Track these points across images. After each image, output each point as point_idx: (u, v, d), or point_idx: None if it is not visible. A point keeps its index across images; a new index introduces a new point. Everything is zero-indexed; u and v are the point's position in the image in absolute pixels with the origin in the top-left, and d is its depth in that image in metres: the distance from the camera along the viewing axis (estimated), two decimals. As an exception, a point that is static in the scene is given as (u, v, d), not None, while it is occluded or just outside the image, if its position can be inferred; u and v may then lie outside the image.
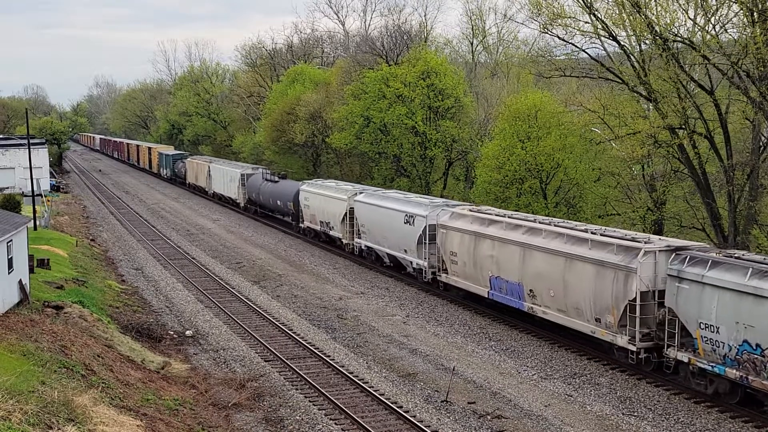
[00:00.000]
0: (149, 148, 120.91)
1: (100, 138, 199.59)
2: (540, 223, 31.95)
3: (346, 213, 47.04)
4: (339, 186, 50.95)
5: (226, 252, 51.34)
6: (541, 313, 30.33)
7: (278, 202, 59.51)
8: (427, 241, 37.88)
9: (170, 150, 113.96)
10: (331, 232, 49.83)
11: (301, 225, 55.06)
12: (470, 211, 36.51)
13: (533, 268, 30.39)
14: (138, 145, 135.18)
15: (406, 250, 40.21)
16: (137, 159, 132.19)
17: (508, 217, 34.09)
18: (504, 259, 32.06)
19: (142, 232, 59.97)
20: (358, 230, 45.71)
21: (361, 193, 46.43)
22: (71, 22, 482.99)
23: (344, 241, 47.92)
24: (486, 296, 33.72)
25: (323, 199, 50.66)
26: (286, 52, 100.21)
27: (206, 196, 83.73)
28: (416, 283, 40.40)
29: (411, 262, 39.82)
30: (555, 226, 30.93)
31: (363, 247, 45.31)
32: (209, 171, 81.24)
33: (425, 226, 37.86)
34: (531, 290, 30.69)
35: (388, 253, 42.53)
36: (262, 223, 63.91)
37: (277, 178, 61.98)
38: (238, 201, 71.27)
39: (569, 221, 34.03)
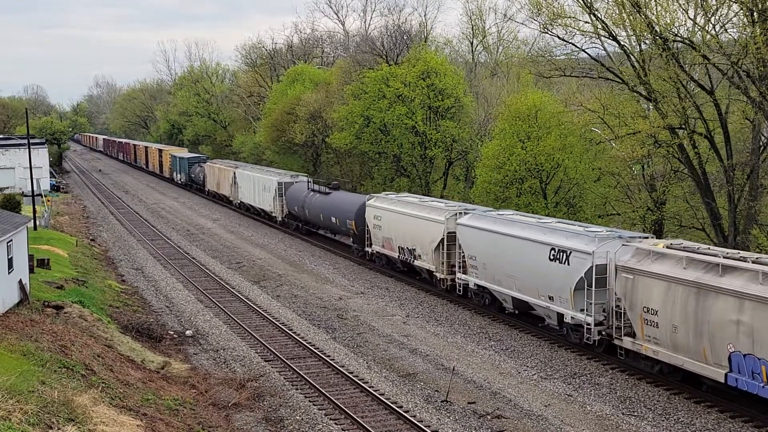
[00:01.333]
0: (160, 150, 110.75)
1: (104, 138, 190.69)
2: None
3: (442, 239, 36.73)
4: (428, 203, 40.36)
5: (226, 252, 51.35)
6: None
7: (332, 219, 49.41)
8: (593, 288, 27.45)
9: (184, 152, 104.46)
10: (417, 263, 39.28)
11: (367, 249, 44.96)
12: (674, 248, 25.38)
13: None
14: (147, 147, 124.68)
15: (551, 297, 29.72)
16: (146, 161, 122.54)
17: (753, 261, 22.76)
18: (763, 327, 21.37)
19: (142, 231, 59.97)
20: (462, 263, 35.62)
21: (465, 213, 36.07)
22: (71, 22, 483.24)
23: (437, 275, 37.58)
24: (720, 380, 22.84)
25: (405, 219, 40.07)
26: (286, 52, 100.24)
27: (230, 206, 74.05)
28: (416, 283, 40.32)
29: (560, 315, 29.49)
30: None
31: (472, 286, 34.74)
32: (235, 178, 71.04)
33: (591, 267, 27.38)
34: None
35: (515, 298, 32.18)
36: (309, 243, 54.23)
37: (328, 189, 51.90)
38: (273, 214, 61.12)
39: None
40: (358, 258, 46.91)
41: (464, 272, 35.50)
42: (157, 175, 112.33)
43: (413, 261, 39.71)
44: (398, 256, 41.37)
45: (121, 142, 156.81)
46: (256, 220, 66.19)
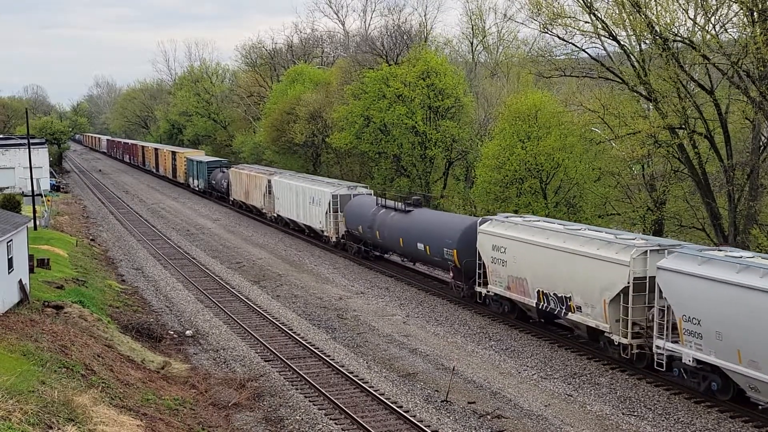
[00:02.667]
0: (173, 153, 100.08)
1: (107, 139, 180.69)
2: None
3: (627, 286, 25.76)
4: (587, 233, 28.82)
5: (226, 252, 51.34)
6: None
7: (419, 246, 38.49)
8: None
9: (201, 155, 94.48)
10: (574, 317, 28.50)
11: (479, 290, 34.16)
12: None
13: None
14: (157, 149, 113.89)
15: None
16: (155, 165, 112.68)
17: None
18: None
19: (142, 231, 59.97)
20: (666, 324, 24.71)
21: (665, 251, 25.39)
22: (71, 22, 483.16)
23: (613, 338, 26.79)
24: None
25: (553, 254, 29.22)
26: (286, 52, 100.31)
27: (263, 220, 63.74)
28: (416, 283, 40.34)
29: None
30: None
31: (689, 362, 23.75)
32: (270, 187, 60.77)
33: None
34: None
35: None
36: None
37: (407, 207, 41.39)
38: (325, 233, 50.59)
39: None
40: (461, 299, 36.21)
41: (672, 340, 24.45)
42: (169, 180, 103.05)
43: (565, 313, 28.93)
44: (536, 304, 30.55)
45: (127, 143, 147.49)
46: (257, 220, 65.77)
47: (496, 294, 33.10)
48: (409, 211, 40.89)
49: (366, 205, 45.55)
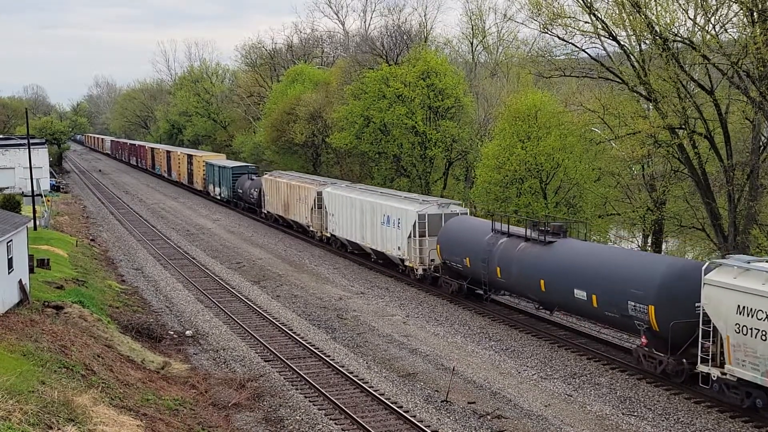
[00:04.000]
0: (189, 157, 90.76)
1: (112, 140, 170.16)
2: None
3: None
4: None
5: (226, 252, 51.33)
6: None
7: (579, 294, 27.85)
8: None
9: (222, 159, 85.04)
10: None
11: (706, 369, 23.36)
12: None
13: None
14: (170, 152, 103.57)
15: None
16: (167, 169, 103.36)
17: None
18: None
19: (142, 231, 59.97)
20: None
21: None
22: (71, 22, 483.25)
23: None
24: None
25: None
26: (286, 52, 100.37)
27: (305, 237, 54.60)
28: (416, 283, 40.35)
29: None
30: None
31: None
32: (320, 200, 51.23)
33: None
34: None
35: None
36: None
37: (549, 236, 31.08)
38: (407, 263, 39.95)
39: None
40: (657, 375, 25.58)
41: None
42: (183, 187, 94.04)
43: None
44: None
45: (133, 145, 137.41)
46: (256, 220, 65.64)
47: (741, 380, 22.29)
48: (551, 242, 30.58)
49: (473, 231, 35.47)
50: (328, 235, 50.27)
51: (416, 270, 39.58)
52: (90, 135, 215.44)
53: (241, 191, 69.89)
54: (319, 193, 51.27)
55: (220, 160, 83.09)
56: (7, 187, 72.71)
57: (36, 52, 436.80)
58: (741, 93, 34.06)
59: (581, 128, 43.30)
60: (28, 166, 53.00)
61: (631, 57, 38.09)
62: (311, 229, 53.29)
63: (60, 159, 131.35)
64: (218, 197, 77.82)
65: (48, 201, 68.91)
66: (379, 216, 42.39)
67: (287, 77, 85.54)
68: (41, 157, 77.56)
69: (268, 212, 63.08)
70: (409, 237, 39.41)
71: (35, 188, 54.34)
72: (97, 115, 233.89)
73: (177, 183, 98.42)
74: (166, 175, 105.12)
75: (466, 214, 40.06)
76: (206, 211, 72.82)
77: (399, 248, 40.67)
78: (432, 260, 38.89)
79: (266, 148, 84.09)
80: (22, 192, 66.58)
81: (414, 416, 22.75)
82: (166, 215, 70.70)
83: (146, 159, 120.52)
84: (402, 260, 40.72)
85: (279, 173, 63.06)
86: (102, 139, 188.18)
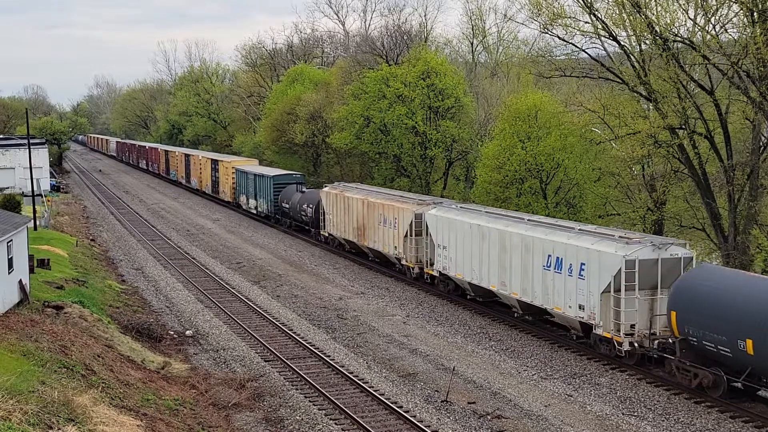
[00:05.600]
0: (215, 162, 78.03)
1: (118, 142, 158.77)
2: None
3: None
4: None
5: (226, 252, 51.34)
6: None
7: None
8: None
9: (255, 165, 72.00)
10: None
11: None
12: None
13: None
14: (188, 156, 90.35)
15: None
16: (185, 175, 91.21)
17: None
18: None
19: (142, 232, 59.97)
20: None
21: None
22: (71, 22, 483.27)
23: None
24: None
25: None
26: (286, 52, 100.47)
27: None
28: (416, 283, 40.36)
29: None
30: None
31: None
32: (418, 225, 39.21)
33: None
34: None
35: None
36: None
37: None
38: (600, 329, 27.12)
39: None
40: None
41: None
42: (206, 196, 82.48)
43: None
44: None
45: (143, 147, 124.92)
46: (256, 219, 65.74)
47: None
48: None
49: (750, 290, 22.52)
50: (434, 273, 37.80)
51: (621, 344, 26.34)
52: (92, 135, 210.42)
53: (287, 206, 57.49)
54: (418, 216, 39.05)
55: (253, 165, 71.42)
56: (7, 187, 72.71)
57: (36, 52, 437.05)
58: (741, 93, 34.10)
59: (581, 128, 43.30)
60: (28, 166, 52.98)
61: (631, 57, 38.12)
62: (403, 263, 40.94)
63: (60, 159, 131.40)
64: (253, 211, 65.33)
65: (48, 201, 68.92)
66: (540, 256, 29.92)
67: (287, 77, 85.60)
68: (41, 157, 77.55)
69: (329, 235, 50.13)
70: (606, 291, 26.69)
71: (35, 188, 54.35)
72: (97, 115, 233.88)
73: (198, 192, 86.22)
74: (183, 182, 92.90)
75: (691, 257, 26.96)
76: (206, 211, 72.80)
77: (582, 307, 27.77)
78: (656, 328, 26.40)
79: (266, 148, 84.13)
80: (22, 192, 66.59)
81: (414, 416, 22.75)
82: (165, 215, 70.72)
83: (159, 163, 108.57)
84: (592, 324, 27.53)
85: (345, 186, 50.34)
86: (106, 140, 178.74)
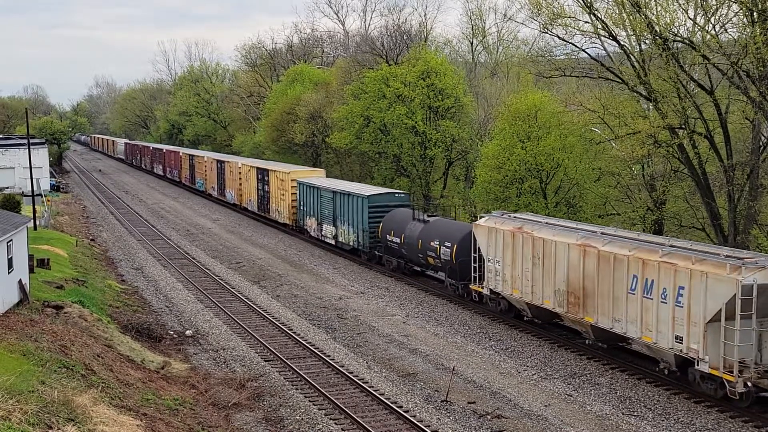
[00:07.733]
0: (263, 172, 60.90)
1: (126, 143, 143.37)
2: None
3: None
4: None
5: (226, 252, 51.33)
6: None
7: None
8: None
9: (322, 178, 56.04)
10: None
11: None
12: None
13: None
14: (222, 162, 73.42)
15: None
16: (219, 186, 74.15)
17: None
18: None
19: (142, 231, 59.96)
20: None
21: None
22: (72, 22, 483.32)
23: None
24: None
25: None
26: (286, 52, 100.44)
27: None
28: (416, 283, 40.33)
29: None
30: None
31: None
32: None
33: None
34: None
35: None
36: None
37: None
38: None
39: None
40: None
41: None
42: (248, 214, 66.53)
43: None
44: None
45: (159, 150, 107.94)
46: (256, 219, 65.65)
47: None
48: None
49: None
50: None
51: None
52: (96, 136, 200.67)
53: (395, 240, 40.95)
54: (747, 289, 22.14)
55: (323, 179, 54.79)
56: (7, 187, 72.72)
57: (36, 52, 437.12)
58: (741, 93, 34.07)
59: (581, 128, 43.27)
60: (28, 166, 53.00)
61: (631, 57, 38.10)
62: (704, 369, 23.49)
63: (60, 159, 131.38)
64: (329, 241, 49.15)
65: (48, 201, 68.91)
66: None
67: (287, 77, 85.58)
68: (41, 157, 77.58)
69: (492, 293, 33.48)
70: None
71: (35, 188, 54.35)
72: (97, 115, 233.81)
73: (236, 207, 70.13)
74: (215, 194, 76.47)
75: None
76: (206, 211, 72.76)
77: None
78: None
79: (266, 148, 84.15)
80: (22, 192, 66.62)
81: (414, 416, 22.76)
82: (165, 215, 70.68)
83: (181, 170, 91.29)
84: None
85: (519, 219, 32.81)
86: (113, 141, 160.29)
